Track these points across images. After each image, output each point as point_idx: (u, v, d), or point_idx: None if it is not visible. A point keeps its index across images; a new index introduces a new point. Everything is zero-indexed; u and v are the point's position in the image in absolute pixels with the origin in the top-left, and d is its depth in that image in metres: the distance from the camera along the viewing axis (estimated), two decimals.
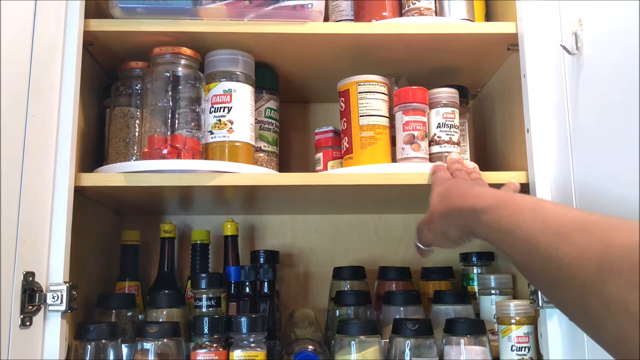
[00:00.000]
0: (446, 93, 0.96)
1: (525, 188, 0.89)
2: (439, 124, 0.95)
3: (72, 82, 0.81)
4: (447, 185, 0.77)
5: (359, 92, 0.95)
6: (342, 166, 0.97)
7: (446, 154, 0.93)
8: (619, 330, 0.39)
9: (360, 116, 0.94)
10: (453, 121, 0.95)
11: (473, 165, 0.89)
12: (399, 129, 0.93)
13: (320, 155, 1.04)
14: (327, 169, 1.02)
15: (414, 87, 0.94)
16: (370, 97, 0.95)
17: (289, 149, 1.21)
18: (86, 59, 0.86)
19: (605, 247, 0.42)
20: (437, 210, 0.74)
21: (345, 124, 0.96)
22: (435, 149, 0.94)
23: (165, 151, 0.85)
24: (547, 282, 0.49)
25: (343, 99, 0.97)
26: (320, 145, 1.05)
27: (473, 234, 0.67)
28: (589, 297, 0.42)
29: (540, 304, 0.82)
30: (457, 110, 0.96)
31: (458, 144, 0.95)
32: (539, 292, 0.82)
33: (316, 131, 1.06)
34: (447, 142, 0.94)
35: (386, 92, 0.96)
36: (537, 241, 0.50)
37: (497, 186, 0.83)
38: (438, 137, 0.94)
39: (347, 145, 0.95)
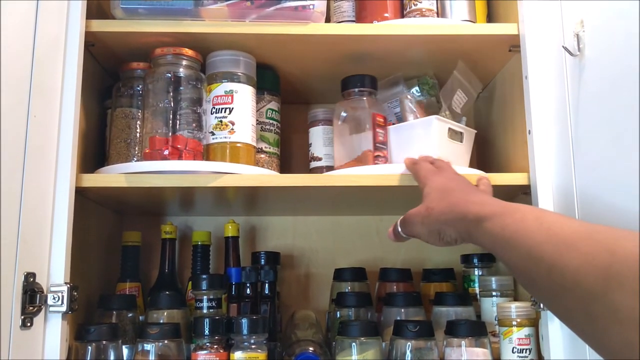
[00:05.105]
0: None
1: (526, 190, 0.89)
2: None
3: (73, 82, 0.81)
4: (443, 182, 0.76)
5: None
6: None
7: None
8: (626, 337, 0.39)
9: None
10: None
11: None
12: None
13: None
14: None
15: None
16: None
17: (290, 150, 1.21)
18: (88, 60, 0.86)
19: (611, 255, 0.42)
20: (436, 207, 0.72)
21: None
22: None
23: (166, 152, 0.85)
24: (549, 290, 0.49)
25: None
26: None
27: (470, 239, 0.66)
28: (595, 305, 0.42)
29: (541, 306, 0.82)
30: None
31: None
32: None
33: None
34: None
35: None
36: (542, 249, 0.50)
37: (499, 188, 0.83)
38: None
39: None
